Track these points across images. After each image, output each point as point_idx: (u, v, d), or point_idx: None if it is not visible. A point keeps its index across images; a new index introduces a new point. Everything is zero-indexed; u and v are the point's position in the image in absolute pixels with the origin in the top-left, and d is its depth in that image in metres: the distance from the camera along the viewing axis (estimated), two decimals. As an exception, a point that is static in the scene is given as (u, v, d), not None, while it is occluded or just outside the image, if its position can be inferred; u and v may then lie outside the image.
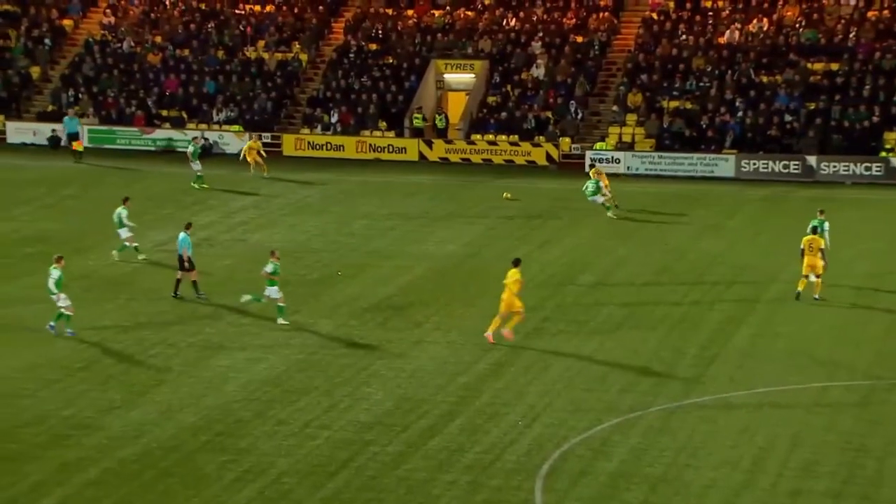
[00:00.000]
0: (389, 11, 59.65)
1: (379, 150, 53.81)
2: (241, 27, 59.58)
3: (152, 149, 54.53)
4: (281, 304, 29.93)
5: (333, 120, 55.03)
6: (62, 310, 28.72)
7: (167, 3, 61.51)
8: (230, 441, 23.05)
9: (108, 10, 60.93)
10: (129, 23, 60.13)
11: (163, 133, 55.24)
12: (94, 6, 61.74)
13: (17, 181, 47.06)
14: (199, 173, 46.04)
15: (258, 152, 48.59)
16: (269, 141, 54.16)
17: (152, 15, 60.73)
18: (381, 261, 36.20)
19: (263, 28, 59.46)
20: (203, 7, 60.95)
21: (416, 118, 54.27)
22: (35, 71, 58.21)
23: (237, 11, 60.60)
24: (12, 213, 41.61)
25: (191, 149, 46.44)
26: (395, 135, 54.35)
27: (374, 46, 57.51)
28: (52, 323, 28.81)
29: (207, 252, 36.71)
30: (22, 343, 28.29)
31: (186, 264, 31.80)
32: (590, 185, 41.99)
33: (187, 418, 24.12)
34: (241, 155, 48.94)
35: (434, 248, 37.77)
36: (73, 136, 51.98)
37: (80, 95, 56.77)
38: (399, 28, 58.31)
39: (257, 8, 60.88)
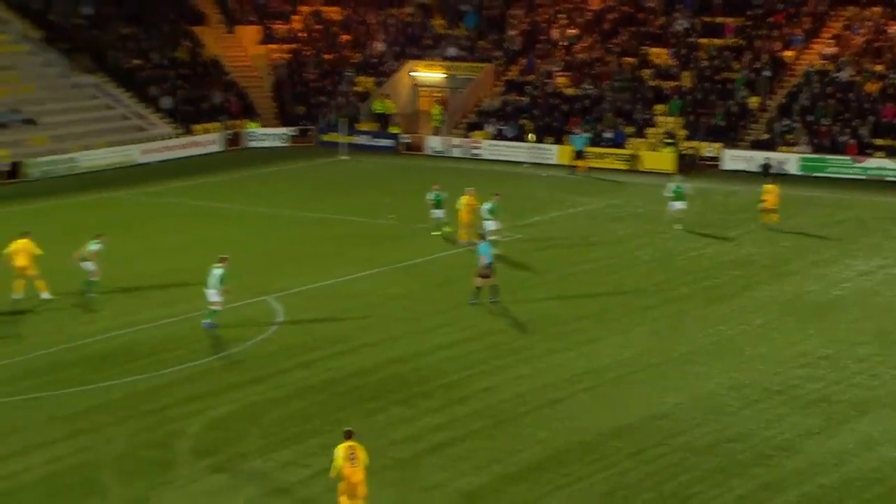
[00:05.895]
0: None
1: None
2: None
3: (862, 177, 53.08)
4: None
5: None
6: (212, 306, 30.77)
7: (891, 31, 59.55)
8: (934, 482, 21.69)
9: (830, 41, 60.35)
10: (850, 52, 59.09)
11: (874, 162, 53.57)
12: (815, 37, 61.45)
13: (730, 206, 48.05)
14: (441, 220, 42.58)
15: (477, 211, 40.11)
16: None
17: (875, 44, 59.14)
18: None
19: None
20: (927, 34, 58.32)
21: None
22: (753, 101, 59.15)
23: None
24: (727, 233, 42.59)
25: (431, 196, 42.14)
26: None
27: None
28: (206, 320, 30.80)
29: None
30: (730, 363, 28.74)
31: (486, 271, 32.88)
32: None
33: (890, 452, 23.06)
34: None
35: None
36: (579, 155, 55.69)
37: (793, 124, 56.77)
38: None
39: None
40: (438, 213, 41.70)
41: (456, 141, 62.02)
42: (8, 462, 22.93)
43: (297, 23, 72.72)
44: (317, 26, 72.22)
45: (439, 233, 41.33)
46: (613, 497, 21.57)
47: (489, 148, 60.91)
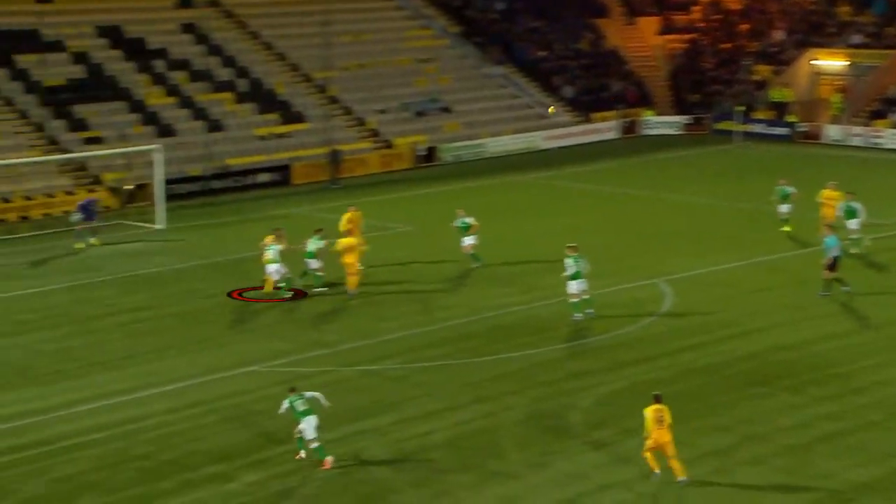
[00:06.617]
0: None
1: None
2: None
3: None
4: None
5: None
6: None
7: None
8: None
9: None
10: None
11: None
12: None
13: None
14: (786, 214, 39.19)
15: None
16: None
17: None
18: None
19: None
20: None
21: None
22: None
23: None
24: None
25: (791, 190, 39.43)
26: None
27: None
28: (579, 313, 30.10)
29: None
30: None
31: (832, 264, 31.37)
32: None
33: None
34: None
35: None
36: None
37: None
38: None
39: None
40: (784, 209, 39.74)
41: (856, 129, 58.84)
42: (421, 422, 24.08)
43: (696, 13, 71.63)
44: (715, 16, 70.78)
45: (789, 228, 39.51)
46: None
47: (892, 137, 57.34)
